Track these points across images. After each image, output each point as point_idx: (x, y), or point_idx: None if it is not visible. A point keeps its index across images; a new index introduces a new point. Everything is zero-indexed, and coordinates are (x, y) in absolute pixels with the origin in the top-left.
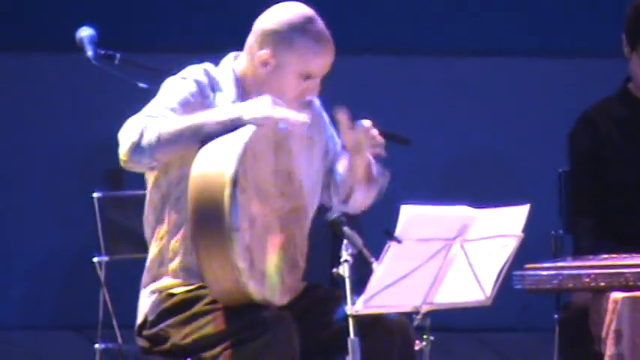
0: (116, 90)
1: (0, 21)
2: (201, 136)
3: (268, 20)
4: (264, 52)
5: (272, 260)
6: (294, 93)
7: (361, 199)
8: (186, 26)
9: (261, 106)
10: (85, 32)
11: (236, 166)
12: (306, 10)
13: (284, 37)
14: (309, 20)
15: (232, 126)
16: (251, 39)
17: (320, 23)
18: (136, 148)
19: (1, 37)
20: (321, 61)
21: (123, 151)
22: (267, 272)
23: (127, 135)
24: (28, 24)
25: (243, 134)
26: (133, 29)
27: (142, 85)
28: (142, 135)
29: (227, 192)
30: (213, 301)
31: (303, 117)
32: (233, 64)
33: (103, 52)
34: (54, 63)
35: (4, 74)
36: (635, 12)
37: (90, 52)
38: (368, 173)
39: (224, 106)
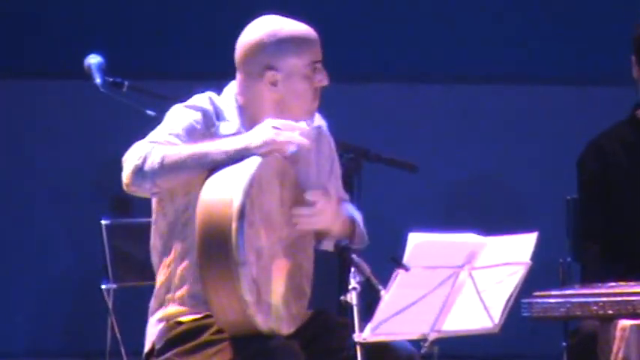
0: (124, 117)
1: (10, 48)
2: (206, 165)
3: (247, 45)
4: (268, 75)
5: (278, 290)
6: (312, 91)
7: (326, 245)
8: (194, 54)
9: (264, 133)
10: (93, 60)
11: (242, 198)
12: (272, 17)
13: (274, 49)
14: (280, 22)
15: (238, 156)
16: (239, 74)
17: (288, 20)
18: (139, 172)
19: (11, 63)
20: (315, 46)
21: (125, 174)
22: (273, 303)
23: (131, 159)
24: (37, 51)
25: (250, 165)
26: (141, 57)
27: (149, 112)
28: (145, 160)
29: (234, 226)
30: (220, 331)
31: (306, 142)
32: (235, 92)
33: (111, 79)
34: (63, 90)
35: (14, 100)
36: None
37: (98, 80)
38: (349, 231)
39: (230, 137)
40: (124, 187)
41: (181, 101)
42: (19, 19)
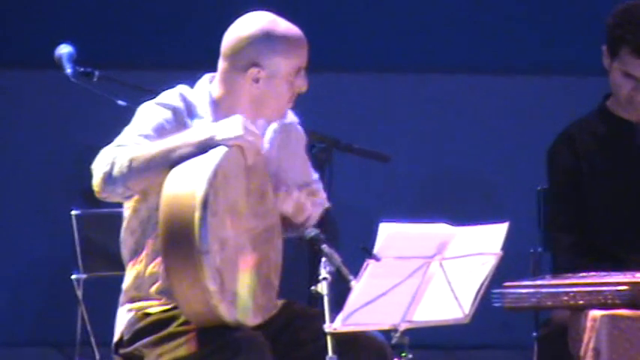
0: (95, 107)
1: None
2: (174, 160)
3: (238, 39)
4: (252, 70)
5: (244, 281)
6: (290, 95)
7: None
8: (165, 44)
9: (233, 127)
10: (63, 50)
11: (206, 188)
12: (266, 14)
13: (263, 47)
14: (274, 21)
15: (204, 147)
16: (224, 64)
17: (282, 20)
18: (108, 178)
19: None
20: (303, 52)
21: (96, 182)
22: (238, 293)
23: (99, 166)
24: (7, 41)
25: (214, 156)
26: (111, 47)
27: (120, 102)
28: (113, 164)
29: (197, 215)
30: (188, 322)
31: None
32: (209, 87)
33: (81, 69)
34: (33, 80)
35: None
36: (614, 20)
37: (69, 70)
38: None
39: (195, 128)
40: (96, 195)
41: (152, 91)
42: None
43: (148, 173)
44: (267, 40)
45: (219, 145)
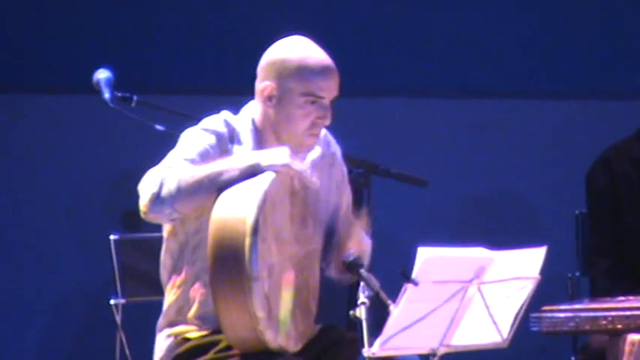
0: (133, 132)
1: (19, 63)
2: (221, 184)
3: (264, 58)
4: (265, 84)
5: (287, 307)
6: (306, 122)
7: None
8: (202, 68)
9: (279, 153)
10: (101, 75)
11: (257, 214)
12: (298, 38)
13: (279, 64)
14: (300, 42)
15: (250, 172)
16: (256, 84)
17: (313, 44)
18: (156, 199)
19: (20, 78)
20: (322, 81)
21: (143, 202)
22: (282, 319)
23: (147, 186)
24: (46, 66)
25: (263, 181)
26: (149, 71)
27: (158, 127)
28: (161, 185)
29: (248, 241)
30: (228, 348)
31: (314, 182)
32: (253, 113)
33: (119, 94)
34: (71, 105)
35: (22, 115)
36: None
37: (107, 95)
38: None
39: (242, 153)
40: (142, 216)
41: (190, 116)
42: (28, 33)
43: (195, 195)
44: (284, 60)
45: (265, 170)
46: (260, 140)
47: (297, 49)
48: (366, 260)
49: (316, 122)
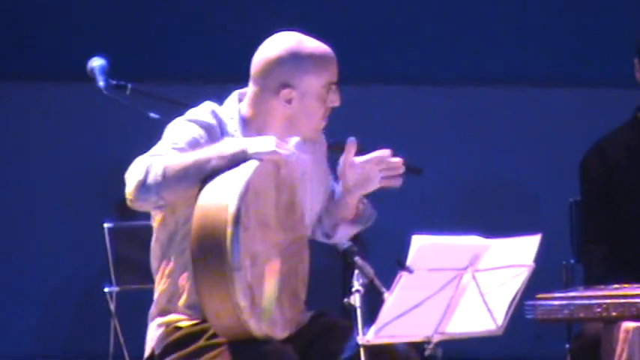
0: (128, 120)
1: (12, 51)
2: (207, 171)
3: (267, 61)
4: (284, 92)
5: (272, 294)
6: (322, 111)
7: (342, 236)
8: (197, 56)
9: (266, 142)
10: (96, 62)
11: (237, 203)
12: (291, 34)
13: (293, 67)
14: (300, 40)
15: (236, 160)
16: (254, 86)
17: (308, 38)
18: (142, 186)
19: (13, 66)
20: (333, 67)
21: (129, 190)
22: (267, 307)
23: (133, 174)
24: (40, 54)
25: (246, 170)
26: (144, 59)
27: (153, 115)
28: (147, 173)
29: (230, 231)
30: (217, 335)
31: (302, 161)
32: (239, 105)
33: (114, 82)
34: (65, 93)
35: (16, 103)
36: None
37: (101, 83)
38: (356, 211)
39: (228, 141)
40: (129, 204)
41: (184, 104)
42: (22, 21)
43: (181, 183)
44: (295, 60)
45: (252, 158)
46: (248, 129)
47: (293, 47)
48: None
49: (329, 105)
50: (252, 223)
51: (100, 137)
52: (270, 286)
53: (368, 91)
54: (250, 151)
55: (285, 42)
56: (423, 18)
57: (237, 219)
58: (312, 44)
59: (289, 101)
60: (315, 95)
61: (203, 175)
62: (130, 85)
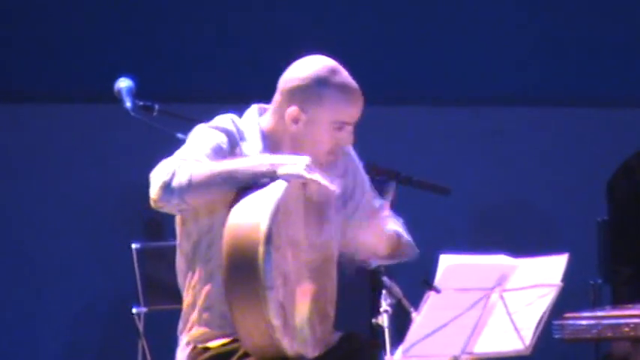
0: (154, 141)
1: (40, 71)
2: (233, 184)
3: (293, 77)
4: (294, 109)
5: (303, 313)
6: (330, 145)
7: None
8: (224, 77)
9: (297, 165)
10: (123, 83)
11: (269, 223)
12: (329, 62)
13: (311, 92)
14: (333, 71)
15: (264, 177)
16: (278, 97)
17: (344, 72)
18: (166, 188)
19: (41, 87)
20: (351, 110)
21: (153, 190)
22: (298, 326)
23: (159, 175)
24: (67, 75)
25: (276, 189)
26: (171, 80)
27: (180, 135)
28: (173, 176)
29: (262, 249)
30: (247, 356)
31: (333, 187)
32: (258, 119)
33: (141, 103)
34: (92, 114)
35: (43, 125)
36: None
37: (128, 104)
38: (396, 245)
39: (258, 156)
40: (152, 203)
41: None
42: (49, 42)
43: (205, 191)
44: (317, 86)
45: (280, 179)
46: (272, 147)
47: (321, 74)
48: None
49: (338, 145)
50: (282, 243)
51: (127, 158)
52: (301, 306)
53: (395, 112)
54: (280, 172)
55: (318, 66)
56: (445, 39)
57: (268, 238)
58: (341, 79)
59: (296, 121)
60: (323, 128)
61: (228, 186)
62: (157, 106)
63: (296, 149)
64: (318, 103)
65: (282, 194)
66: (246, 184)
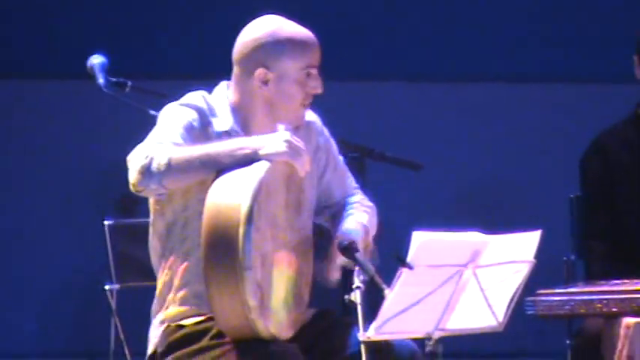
0: (127, 117)
1: (12, 48)
2: (212, 168)
3: (245, 42)
4: (259, 71)
5: (280, 295)
6: (302, 96)
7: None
8: (196, 53)
9: (277, 144)
10: (96, 60)
11: (251, 203)
12: (273, 18)
13: (270, 49)
14: (280, 23)
15: (246, 160)
16: (236, 70)
17: (289, 21)
18: (146, 172)
19: (13, 64)
20: (312, 51)
21: (132, 175)
22: (274, 308)
23: (137, 159)
24: (40, 51)
25: (259, 169)
26: (143, 57)
27: (152, 112)
28: (151, 160)
29: (242, 229)
30: (221, 334)
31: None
32: (227, 92)
33: (114, 79)
34: (65, 90)
35: (15, 101)
36: None
37: (101, 80)
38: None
39: (238, 139)
40: (131, 187)
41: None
42: (21, 19)
43: (185, 175)
44: (273, 42)
45: (262, 159)
46: (243, 120)
47: (272, 29)
48: (373, 226)
49: (309, 92)
50: (263, 223)
51: (99, 134)
52: (278, 287)
53: (369, 88)
54: (262, 152)
55: (265, 25)
56: (424, 14)
57: (249, 218)
58: (292, 27)
59: (265, 82)
60: (293, 79)
61: (208, 169)
62: (129, 83)
63: (272, 114)
64: (280, 55)
65: (264, 174)
66: (226, 168)
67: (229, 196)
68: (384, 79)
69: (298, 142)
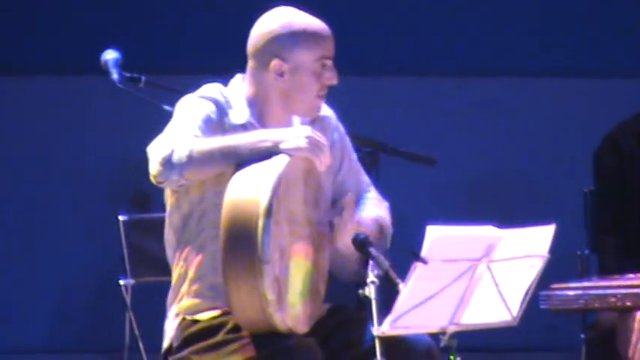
0: (141, 113)
1: (28, 44)
2: (233, 160)
3: (260, 35)
4: (275, 63)
5: (297, 289)
6: (318, 87)
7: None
8: (211, 48)
9: (297, 138)
10: (110, 55)
11: (270, 196)
12: (285, 9)
13: (284, 40)
14: (293, 15)
15: (266, 153)
16: (251, 63)
17: (302, 12)
18: (167, 163)
19: (27, 60)
20: (326, 41)
21: (153, 166)
22: (291, 302)
23: (158, 151)
24: (53, 47)
25: (278, 163)
26: (157, 52)
27: (166, 107)
28: (172, 151)
29: (261, 223)
30: (237, 328)
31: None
32: (242, 85)
33: (128, 74)
34: (79, 86)
35: (31, 97)
36: None
37: (115, 75)
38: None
39: (260, 131)
40: (151, 179)
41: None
42: (36, 15)
43: (206, 167)
44: (288, 33)
45: (281, 153)
46: (259, 112)
47: (286, 20)
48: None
49: (325, 83)
50: (281, 217)
51: (114, 129)
52: (295, 280)
53: (382, 83)
54: (283, 146)
55: (279, 17)
56: (434, 9)
57: (269, 212)
58: (306, 19)
59: (281, 74)
60: (308, 70)
61: (228, 162)
62: (143, 78)
63: (287, 106)
64: (295, 47)
65: (284, 168)
66: (246, 159)
67: (249, 191)
68: (397, 74)
69: (320, 138)
